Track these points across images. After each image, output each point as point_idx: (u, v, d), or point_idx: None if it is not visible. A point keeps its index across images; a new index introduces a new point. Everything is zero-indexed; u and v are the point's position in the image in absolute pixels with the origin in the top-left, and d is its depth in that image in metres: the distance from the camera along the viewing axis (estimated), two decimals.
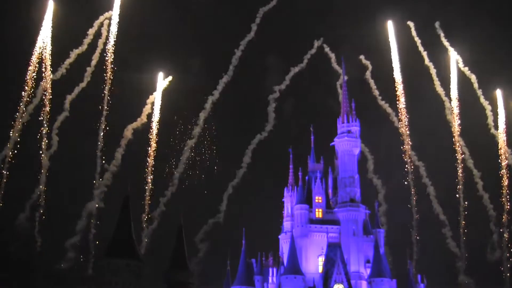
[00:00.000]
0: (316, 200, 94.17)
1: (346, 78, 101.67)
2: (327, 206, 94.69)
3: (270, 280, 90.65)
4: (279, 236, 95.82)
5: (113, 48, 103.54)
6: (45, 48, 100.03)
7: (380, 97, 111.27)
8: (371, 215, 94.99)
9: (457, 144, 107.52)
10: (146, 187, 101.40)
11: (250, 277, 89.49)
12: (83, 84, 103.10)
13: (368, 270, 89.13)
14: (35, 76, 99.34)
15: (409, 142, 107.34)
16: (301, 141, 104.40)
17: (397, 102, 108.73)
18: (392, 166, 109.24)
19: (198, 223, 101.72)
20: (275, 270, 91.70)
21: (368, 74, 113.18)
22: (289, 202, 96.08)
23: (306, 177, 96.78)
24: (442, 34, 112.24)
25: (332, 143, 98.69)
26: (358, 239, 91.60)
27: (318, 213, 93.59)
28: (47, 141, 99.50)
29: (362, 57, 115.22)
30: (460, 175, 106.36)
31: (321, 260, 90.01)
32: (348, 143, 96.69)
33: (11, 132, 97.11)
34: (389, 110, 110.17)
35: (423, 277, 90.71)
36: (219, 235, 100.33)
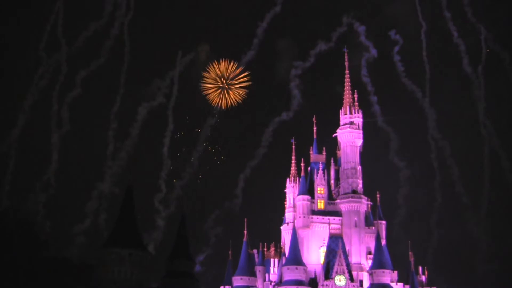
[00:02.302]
0: (318, 191, 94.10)
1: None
2: (329, 197, 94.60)
3: (271, 271, 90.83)
4: (281, 227, 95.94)
5: (130, 21, 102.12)
6: (59, 19, 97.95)
7: (404, 74, 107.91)
8: (373, 207, 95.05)
9: (483, 123, 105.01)
10: (162, 170, 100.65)
11: (252, 268, 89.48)
12: (98, 61, 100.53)
13: (370, 262, 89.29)
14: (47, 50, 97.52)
15: (434, 121, 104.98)
16: (304, 131, 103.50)
17: (423, 80, 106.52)
18: (416, 146, 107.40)
19: (213, 206, 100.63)
20: (276, 261, 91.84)
21: (394, 51, 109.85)
22: (291, 193, 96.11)
23: (309, 168, 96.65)
24: (470, 11, 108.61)
25: (335, 134, 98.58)
26: (360, 231, 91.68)
27: (320, 204, 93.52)
28: (58, 118, 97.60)
29: (392, 33, 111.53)
30: (486, 157, 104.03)
31: (322, 251, 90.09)
32: (350, 134, 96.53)
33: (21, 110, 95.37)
34: (414, 88, 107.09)
35: (424, 269, 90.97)
36: (232, 222, 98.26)
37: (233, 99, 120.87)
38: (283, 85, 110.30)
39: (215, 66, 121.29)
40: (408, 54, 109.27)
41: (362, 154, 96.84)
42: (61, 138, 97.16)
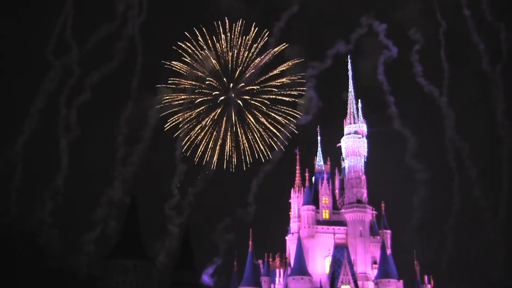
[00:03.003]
0: (323, 201, 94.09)
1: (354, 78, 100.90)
2: (334, 207, 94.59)
3: (277, 281, 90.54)
4: (286, 237, 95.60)
5: (142, 22, 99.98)
6: (68, 21, 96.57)
7: (421, 74, 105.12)
8: (378, 216, 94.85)
9: (501, 124, 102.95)
10: (175, 175, 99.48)
11: (257, 278, 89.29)
12: (110, 63, 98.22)
13: (375, 271, 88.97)
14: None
15: (451, 120, 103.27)
16: (308, 140, 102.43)
17: (441, 79, 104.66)
18: (432, 147, 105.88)
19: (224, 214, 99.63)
20: (282, 271, 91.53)
21: (413, 49, 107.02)
22: (296, 203, 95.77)
23: (313, 178, 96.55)
24: (488, 10, 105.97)
25: (339, 144, 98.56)
26: (365, 240, 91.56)
27: (325, 214, 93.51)
28: (66, 123, 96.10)
29: (411, 32, 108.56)
30: (504, 158, 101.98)
31: (328, 261, 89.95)
32: (354, 143, 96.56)
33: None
34: (431, 88, 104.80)
35: (430, 278, 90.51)
36: (243, 231, 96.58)
37: (254, 129, 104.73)
38: (295, 86, 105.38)
39: (210, 58, 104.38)
40: (425, 54, 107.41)
41: (367, 163, 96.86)
42: (69, 143, 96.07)
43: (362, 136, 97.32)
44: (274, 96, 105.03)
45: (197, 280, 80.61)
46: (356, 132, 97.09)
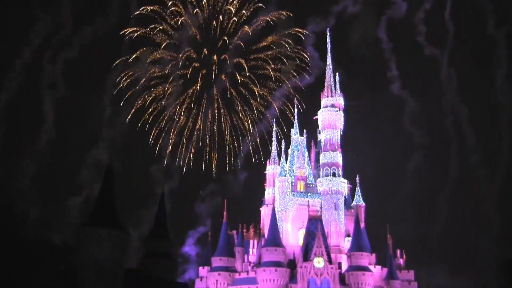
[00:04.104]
0: (299, 173, 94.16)
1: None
2: (309, 179, 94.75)
3: (250, 252, 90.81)
4: (261, 208, 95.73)
5: None
6: None
7: (424, 38, 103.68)
8: (353, 190, 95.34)
9: (501, 89, 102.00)
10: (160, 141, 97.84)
11: (231, 249, 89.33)
12: (101, 20, 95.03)
13: (348, 244, 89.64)
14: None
15: (451, 85, 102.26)
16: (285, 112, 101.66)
17: (444, 42, 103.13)
18: (432, 112, 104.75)
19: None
20: (256, 242, 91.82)
21: (421, 9, 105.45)
22: (272, 174, 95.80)
23: (289, 150, 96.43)
24: None
25: (315, 117, 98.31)
26: (339, 213, 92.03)
27: (300, 186, 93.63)
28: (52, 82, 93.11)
29: None
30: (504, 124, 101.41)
31: (301, 233, 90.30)
32: (331, 116, 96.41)
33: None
34: (433, 52, 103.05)
35: (402, 252, 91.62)
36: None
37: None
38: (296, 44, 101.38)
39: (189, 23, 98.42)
40: (430, 15, 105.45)
41: (344, 136, 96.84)
42: (54, 102, 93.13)
43: (339, 110, 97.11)
44: (265, 71, 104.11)
45: (171, 250, 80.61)
46: (333, 106, 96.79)
